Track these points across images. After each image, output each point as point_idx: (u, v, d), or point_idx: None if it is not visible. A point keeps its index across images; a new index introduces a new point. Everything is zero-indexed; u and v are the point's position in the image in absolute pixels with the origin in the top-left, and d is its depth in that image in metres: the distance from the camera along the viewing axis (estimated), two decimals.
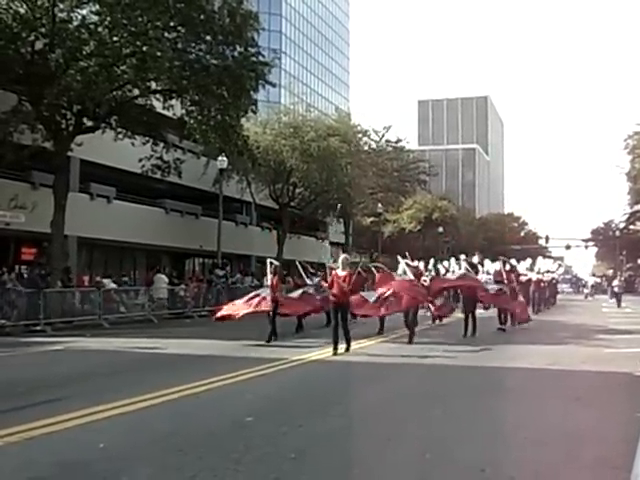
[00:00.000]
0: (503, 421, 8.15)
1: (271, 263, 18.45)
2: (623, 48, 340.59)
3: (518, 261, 33.83)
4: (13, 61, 24.25)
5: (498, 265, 23.59)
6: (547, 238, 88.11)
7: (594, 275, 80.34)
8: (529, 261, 35.91)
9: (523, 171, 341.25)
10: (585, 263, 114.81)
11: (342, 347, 14.60)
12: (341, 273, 15.03)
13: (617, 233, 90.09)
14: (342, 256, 16.50)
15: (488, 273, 23.99)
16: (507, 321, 22.11)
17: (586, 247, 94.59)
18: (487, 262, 26.85)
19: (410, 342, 16.82)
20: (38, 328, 21.61)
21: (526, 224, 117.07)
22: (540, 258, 39.75)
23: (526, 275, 32.17)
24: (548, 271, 37.21)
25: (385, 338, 18.27)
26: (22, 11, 24.28)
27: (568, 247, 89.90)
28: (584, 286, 70.50)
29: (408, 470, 6.04)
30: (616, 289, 39.74)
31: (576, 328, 22.78)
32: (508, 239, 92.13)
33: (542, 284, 34.00)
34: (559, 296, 46.86)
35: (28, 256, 30.38)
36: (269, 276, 18.29)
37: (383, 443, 6.99)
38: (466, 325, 19.18)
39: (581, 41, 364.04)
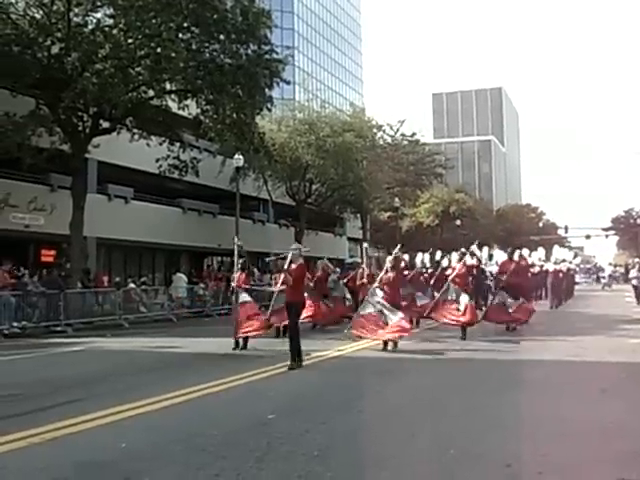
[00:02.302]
0: (528, 415, 8.07)
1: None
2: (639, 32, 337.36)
3: (530, 251, 33.05)
4: (30, 66, 24.46)
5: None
6: (566, 228, 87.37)
7: (614, 265, 79.40)
8: (542, 251, 34.76)
9: (540, 161, 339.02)
10: (606, 253, 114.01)
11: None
12: (292, 267, 12.59)
13: (638, 221, 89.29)
14: (293, 246, 13.32)
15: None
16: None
17: (606, 236, 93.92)
18: (497, 253, 26.35)
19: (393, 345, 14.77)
20: (59, 329, 21.76)
21: (544, 214, 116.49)
22: (556, 247, 38.07)
23: (540, 266, 31.28)
24: (564, 260, 35.66)
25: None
26: (38, 16, 24.51)
27: (588, 237, 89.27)
28: (600, 276, 69.25)
29: (433, 466, 6.01)
30: (635, 282, 35.49)
31: (599, 319, 22.56)
32: (526, 230, 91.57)
33: (560, 275, 32.22)
34: (576, 287, 45.38)
35: (48, 258, 30.55)
36: (235, 275, 16.03)
37: (406, 439, 6.96)
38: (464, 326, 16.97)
39: (596, 26, 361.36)
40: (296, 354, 12.07)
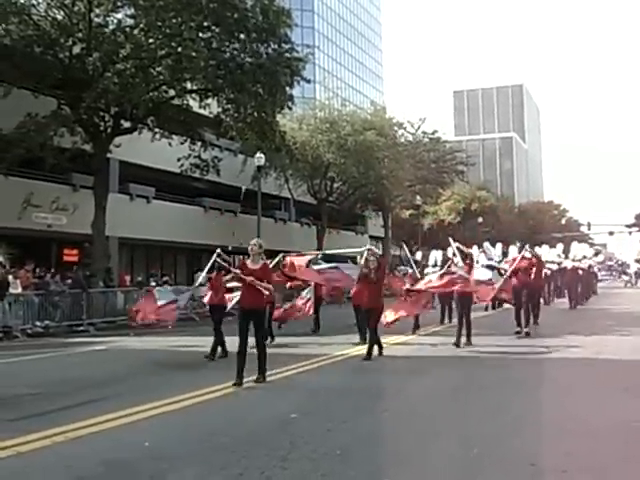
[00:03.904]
0: (550, 413, 8.01)
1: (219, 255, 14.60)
2: None
3: (550, 248, 31.92)
4: (52, 66, 24.66)
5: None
6: (589, 225, 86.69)
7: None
8: (560, 247, 33.06)
9: (562, 157, 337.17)
10: (629, 249, 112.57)
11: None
12: (253, 266, 10.60)
13: None
14: (253, 241, 10.90)
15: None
16: (529, 321, 18.00)
17: (630, 233, 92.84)
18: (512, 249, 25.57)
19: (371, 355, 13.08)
20: (81, 328, 21.89)
21: (567, 211, 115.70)
22: (574, 243, 34.95)
23: (559, 263, 30.14)
24: (585, 257, 33.27)
25: (421, 333, 18.03)
26: (59, 17, 24.69)
27: (611, 233, 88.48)
28: (624, 273, 67.96)
29: (456, 465, 5.97)
30: None
31: (621, 316, 22.37)
32: (549, 227, 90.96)
33: (580, 272, 29.71)
34: (599, 284, 43.52)
35: (70, 257, 30.74)
36: (202, 274, 15.17)
37: (429, 438, 6.93)
38: (459, 331, 15.04)
39: (616, 22, 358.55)
40: (265, 371, 10.44)
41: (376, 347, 13.29)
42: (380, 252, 15.30)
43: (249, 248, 10.72)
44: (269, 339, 15.35)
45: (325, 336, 17.64)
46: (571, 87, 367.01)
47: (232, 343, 14.61)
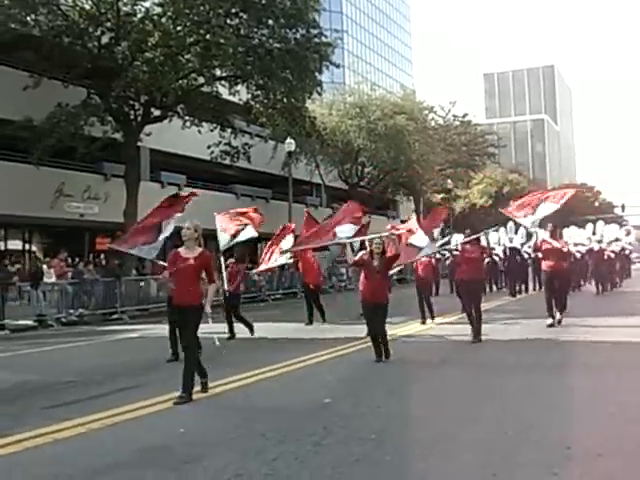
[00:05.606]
0: (587, 396, 7.91)
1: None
2: None
3: (579, 229, 30.73)
4: (81, 56, 24.83)
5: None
6: (623, 207, 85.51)
7: None
8: (590, 227, 30.65)
9: (595, 138, 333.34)
10: None
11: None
12: (187, 254, 8.84)
13: None
14: (186, 224, 9.14)
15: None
16: (565, 308, 15.92)
17: None
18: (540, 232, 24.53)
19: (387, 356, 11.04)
20: (115, 316, 22.06)
21: (600, 193, 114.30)
22: (601, 223, 32.24)
23: (584, 245, 27.44)
24: (617, 239, 30.50)
25: (451, 319, 17.72)
26: (87, 7, 24.83)
27: None
28: None
29: (490, 449, 5.89)
30: None
31: None
32: (582, 210, 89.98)
33: (608, 255, 27.52)
34: (634, 266, 40.35)
35: (103, 246, 31.00)
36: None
37: (464, 422, 6.87)
38: (472, 324, 13.30)
39: None
40: (190, 379, 8.28)
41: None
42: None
43: (182, 233, 9.01)
44: (249, 331, 15.14)
45: (337, 324, 17.10)
46: (604, 67, 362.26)
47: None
